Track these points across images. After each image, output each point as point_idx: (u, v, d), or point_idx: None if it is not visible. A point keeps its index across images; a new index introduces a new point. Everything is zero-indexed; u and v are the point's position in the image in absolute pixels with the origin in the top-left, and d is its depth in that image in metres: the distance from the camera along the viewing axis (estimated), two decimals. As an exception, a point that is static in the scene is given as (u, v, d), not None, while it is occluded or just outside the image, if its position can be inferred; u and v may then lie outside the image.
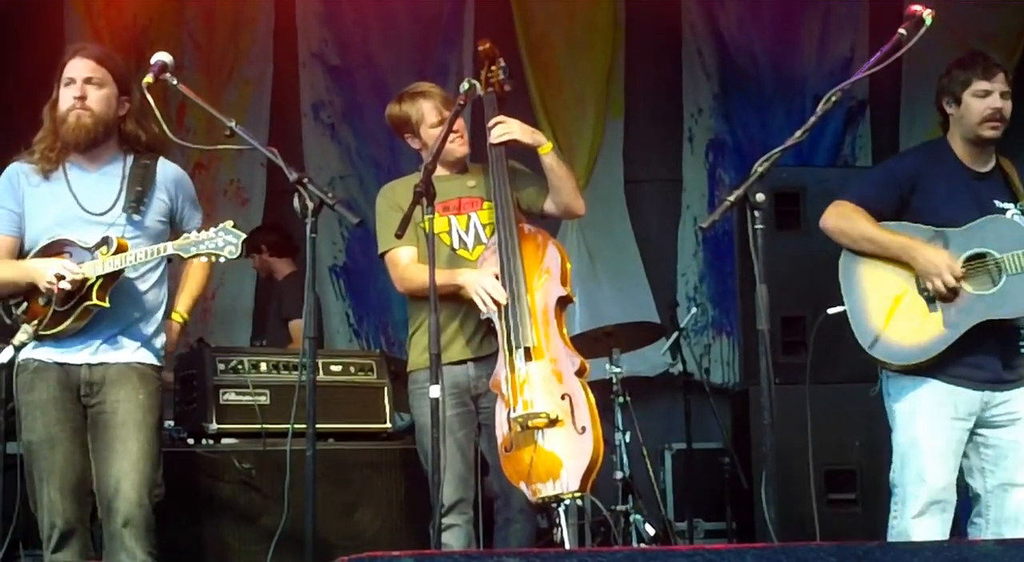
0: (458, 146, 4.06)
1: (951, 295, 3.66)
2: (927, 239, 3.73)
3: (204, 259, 3.48)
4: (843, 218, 3.81)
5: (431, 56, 7.00)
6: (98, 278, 3.51)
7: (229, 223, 3.47)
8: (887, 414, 3.86)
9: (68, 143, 3.66)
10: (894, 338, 3.73)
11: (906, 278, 3.74)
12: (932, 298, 3.70)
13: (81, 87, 3.63)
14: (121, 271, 3.54)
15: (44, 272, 3.52)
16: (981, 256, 3.69)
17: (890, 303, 3.75)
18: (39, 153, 3.67)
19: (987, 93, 3.75)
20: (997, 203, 3.79)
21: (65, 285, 3.48)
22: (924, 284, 3.70)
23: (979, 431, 3.76)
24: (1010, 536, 3.62)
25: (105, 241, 3.55)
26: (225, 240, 3.43)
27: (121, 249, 3.53)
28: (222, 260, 3.46)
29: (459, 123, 4.01)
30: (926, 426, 3.71)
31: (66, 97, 3.64)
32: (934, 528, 3.67)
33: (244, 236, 3.47)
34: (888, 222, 3.80)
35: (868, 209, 3.78)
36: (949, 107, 3.83)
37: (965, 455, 3.77)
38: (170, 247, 3.48)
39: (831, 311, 3.82)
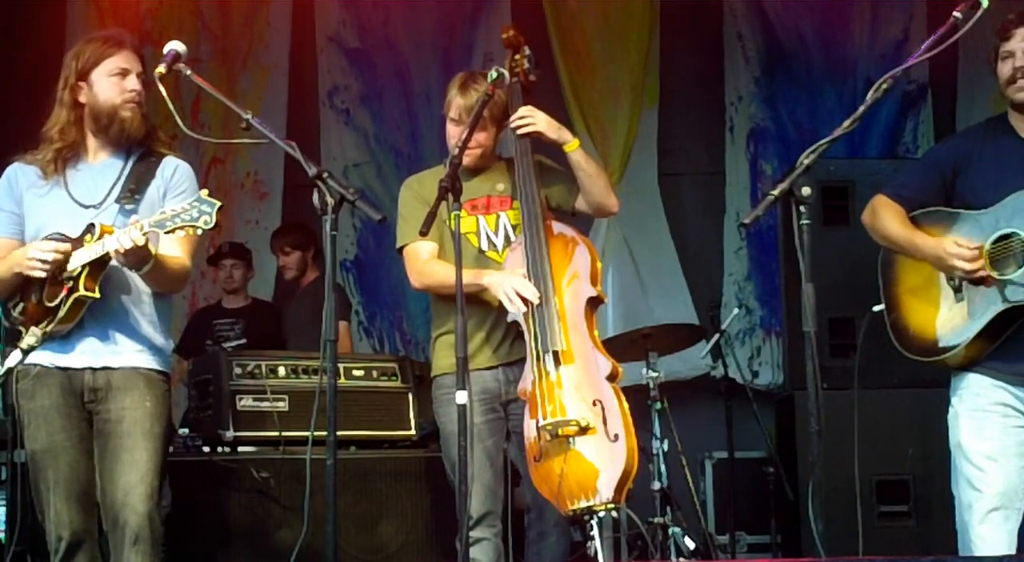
0: (465, 156, 3.97)
1: (979, 280, 3.54)
2: (950, 225, 3.64)
3: (182, 233, 3.41)
4: (871, 213, 3.81)
5: (456, 39, 7.04)
6: (84, 267, 3.49)
7: (204, 192, 3.42)
8: None
9: (120, 135, 3.66)
10: (921, 333, 3.69)
11: (933, 270, 3.70)
12: (959, 288, 3.63)
13: (139, 81, 3.66)
14: (108, 258, 3.51)
15: (23, 256, 3.55)
16: (1008, 237, 3.54)
17: (918, 297, 3.72)
18: (52, 151, 3.68)
19: (1009, 54, 3.61)
20: None
21: (47, 256, 3.48)
22: (949, 274, 3.64)
23: None
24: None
25: (90, 229, 3.55)
26: (200, 210, 3.37)
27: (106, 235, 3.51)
28: (199, 232, 3.40)
29: (482, 136, 4.00)
30: (970, 427, 3.62)
31: (119, 88, 3.65)
32: (997, 538, 3.55)
33: (219, 204, 3.38)
34: (919, 211, 3.74)
35: (907, 199, 3.75)
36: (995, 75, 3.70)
37: None
38: (146, 225, 3.42)
39: (876, 308, 3.81)
